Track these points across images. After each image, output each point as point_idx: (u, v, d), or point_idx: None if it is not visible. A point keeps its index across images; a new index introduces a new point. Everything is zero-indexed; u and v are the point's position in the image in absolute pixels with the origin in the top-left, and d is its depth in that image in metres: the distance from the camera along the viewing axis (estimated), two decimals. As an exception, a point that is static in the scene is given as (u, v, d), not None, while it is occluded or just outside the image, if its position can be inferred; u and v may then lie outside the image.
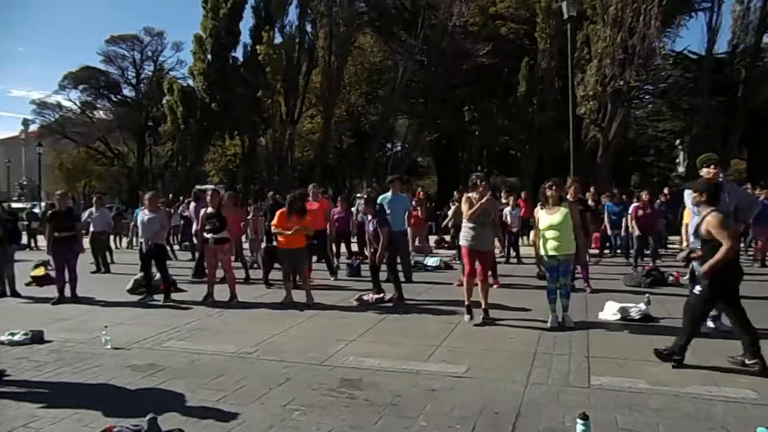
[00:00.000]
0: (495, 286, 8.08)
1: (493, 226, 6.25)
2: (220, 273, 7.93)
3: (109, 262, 11.51)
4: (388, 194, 8.68)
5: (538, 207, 5.92)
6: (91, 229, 11.10)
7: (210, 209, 7.78)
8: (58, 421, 3.56)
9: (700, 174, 5.41)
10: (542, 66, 23.72)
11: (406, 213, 8.91)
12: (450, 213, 10.90)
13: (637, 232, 9.73)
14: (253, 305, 7.37)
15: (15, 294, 8.44)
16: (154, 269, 8.01)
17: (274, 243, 8.40)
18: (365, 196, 7.86)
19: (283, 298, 7.41)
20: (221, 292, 7.64)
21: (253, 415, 3.59)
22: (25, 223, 15.92)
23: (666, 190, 10.76)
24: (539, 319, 5.97)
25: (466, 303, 6.10)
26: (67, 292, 7.97)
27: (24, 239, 10.53)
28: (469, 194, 6.13)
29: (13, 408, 3.82)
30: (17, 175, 37.75)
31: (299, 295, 7.41)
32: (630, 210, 10.29)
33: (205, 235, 7.70)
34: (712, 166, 5.25)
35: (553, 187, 5.74)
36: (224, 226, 7.68)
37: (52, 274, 9.74)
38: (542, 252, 5.78)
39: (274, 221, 7.63)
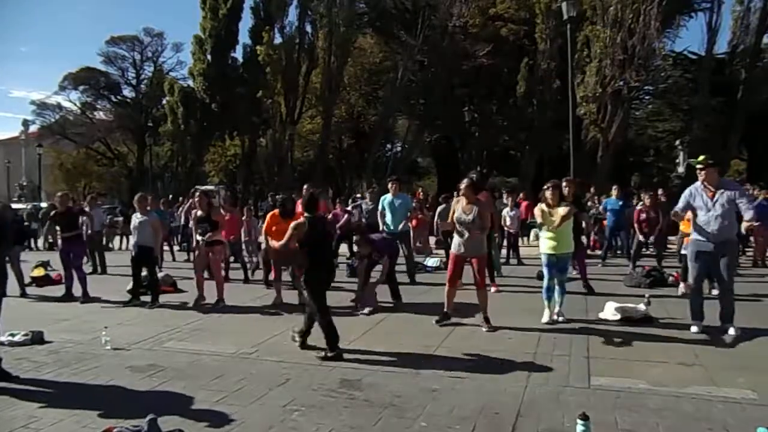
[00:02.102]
0: (493, 290, 7.96)
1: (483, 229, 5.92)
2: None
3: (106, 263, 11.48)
4: (388, 195, 8.65)
5: (541, 206, 6.00)
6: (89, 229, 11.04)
7: (200, 212, 7.64)
8: (58, 422, 3.56)
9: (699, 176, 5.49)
10: (542, 67, 23.72)
11: (408, 213, 8.88)
12: (437, 212, 10.63)
13: (639, 237, 9.64)
14: (253, 306, 7.37)
15: (24, 294, 8.53)
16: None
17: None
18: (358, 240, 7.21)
19: (274, 299, 7.35)
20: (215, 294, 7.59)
21: (253, 415, 3.59)
22: (26, 223, 15.91)
23: (661, 191, 10.75)
24: (539, 319, 5.98)
25: (444, 309, 6.03)
26: (77, 292, 8.03)
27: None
28: (455, 200, 6.04)
29: (12, 408, 3.82)
30: (17, 176, 37.76)
31: (291, 296, 7.40)
32: (634, 213, 10.22)
33: (197, 237, 7.57)
34: (703, 173, 5.35)
35: (551, 189, 5.91)
36: (215, 229, 7.53)
37: (52, 274, 9.78)
38: (541, 250, 6.00)
39: (266, 226, 7.49)
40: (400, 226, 8.61)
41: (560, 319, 5.93)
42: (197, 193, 8.50)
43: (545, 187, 6.03)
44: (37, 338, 5.56)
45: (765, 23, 20.79)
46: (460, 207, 5.79)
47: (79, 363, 4.84)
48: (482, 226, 5.71)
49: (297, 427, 3.42)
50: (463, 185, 5.82)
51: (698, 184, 5.44)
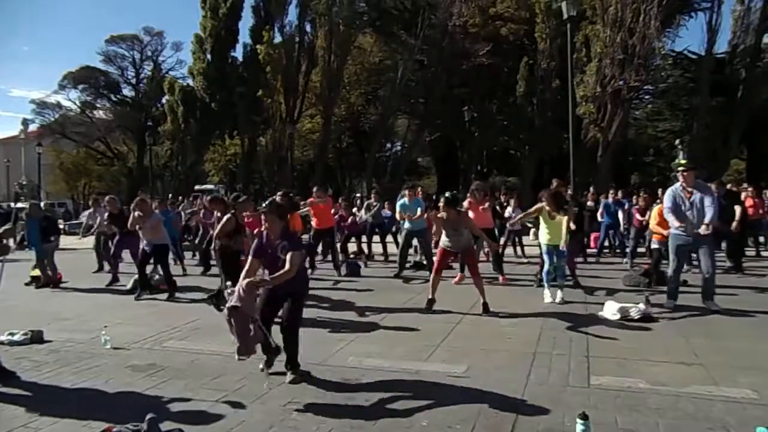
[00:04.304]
0: (501, 280, 8.52)
1: (470, 232, 6.66)
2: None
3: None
4: (405, 200, 9.48)
5: (543, 205, 6.93)
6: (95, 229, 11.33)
7: (218, 214, 7.98)
8: (58, 421, 3.56)
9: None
10: (542, 66, 23.73)
11: (424, 214, 9.56)
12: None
13: (633, 232, 9.89)
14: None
15: (56, 284, 9.21)
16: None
17: None
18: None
19: None
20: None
21: (253, 415, 3.59)
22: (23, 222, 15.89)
23: (661, 191, 10.86)
24: (539, 318, 6.00)
25: (429, 296, 6.65)
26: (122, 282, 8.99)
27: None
28: (441, 213, 6.55)
29: (12, 408, 3.82)
30: (17, 175, 37.72)
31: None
32: (632, 211, 10.36)
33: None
34: (684, 175, 6.20)
35: (548, 200, 6.86)
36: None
37: (51, 273, 9.81)
38: (542, 240, 7.02)
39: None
40: (420, 224, 9.38)
41: (557, 300, 6.78)
42: (209, 197, 9.06)
43: (542, 197, 6.99)
44: (36, 337, 5.55)
45: (765, 23, 20.79)
46: (450, 227, 6.52)
47: (79, 362, 4.83)
48: (471, 233, 6.63)
49: (297, 426, 3.42)
50: (441, 206, 6.55)
51: (677, 185, 6.32)
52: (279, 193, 8.09)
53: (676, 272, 6.42)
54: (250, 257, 4.23)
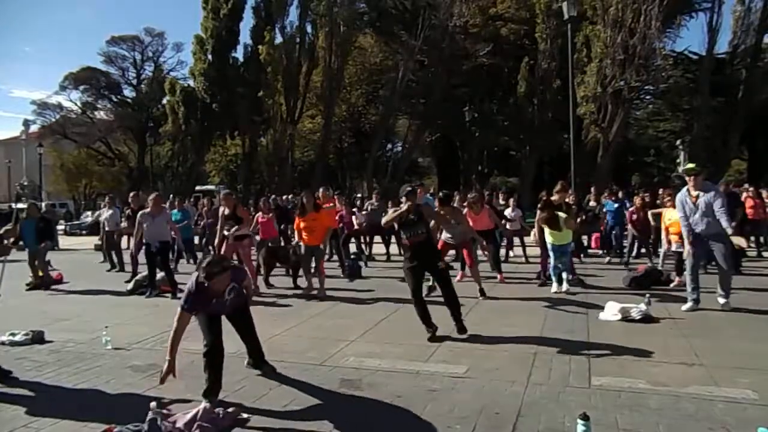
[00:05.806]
0: (499, 279, 8.65)
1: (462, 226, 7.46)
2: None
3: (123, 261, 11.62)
4: None
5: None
6: (107, 228, 11.48)
7: (227, 210, 8.16)
8: (59, 422, 3.56)
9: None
10: (542, 66, 23.72)
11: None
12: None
13: (633, 232, 9.93)
14: (253, 305, 7.35)
15: (47, 286, 9.23)
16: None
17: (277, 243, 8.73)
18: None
19: (306, 288, 7.91)
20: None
21: (253, 415, 3.59)
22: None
23: (662, 191, 10.92)
24: (540, 318, 5.99)
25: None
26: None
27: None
28: (437, 209, 7.18)
29: (13, 408, 3.82)
30: (18, 176, 37.74)
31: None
32: (627, 213, 10.40)
33: (225, 233, 8.12)
34: (693, 179, 6.22)
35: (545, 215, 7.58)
36: (241, 224, 8.19)
37: (52, 274, 9.82)
38: (548, 240, 7.68)
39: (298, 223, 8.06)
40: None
41: (564, 289, 7.51)
42: (223, 193, 9.22)
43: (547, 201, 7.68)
44: (37, 338, 5.56)
45: (766, 23, 20.79)
46: (444, 221, 7.25)
47: (79, 362, 4.84)
48: (465, 226, 7.49)
49: (297, 426, 3.42)
50: (437, 203, 7.33)
51: (684, 190, 6.34)
52: (303, 193, 8.46)
53: (693, 270, 6.35)
54: (181, 312, 3.79)
